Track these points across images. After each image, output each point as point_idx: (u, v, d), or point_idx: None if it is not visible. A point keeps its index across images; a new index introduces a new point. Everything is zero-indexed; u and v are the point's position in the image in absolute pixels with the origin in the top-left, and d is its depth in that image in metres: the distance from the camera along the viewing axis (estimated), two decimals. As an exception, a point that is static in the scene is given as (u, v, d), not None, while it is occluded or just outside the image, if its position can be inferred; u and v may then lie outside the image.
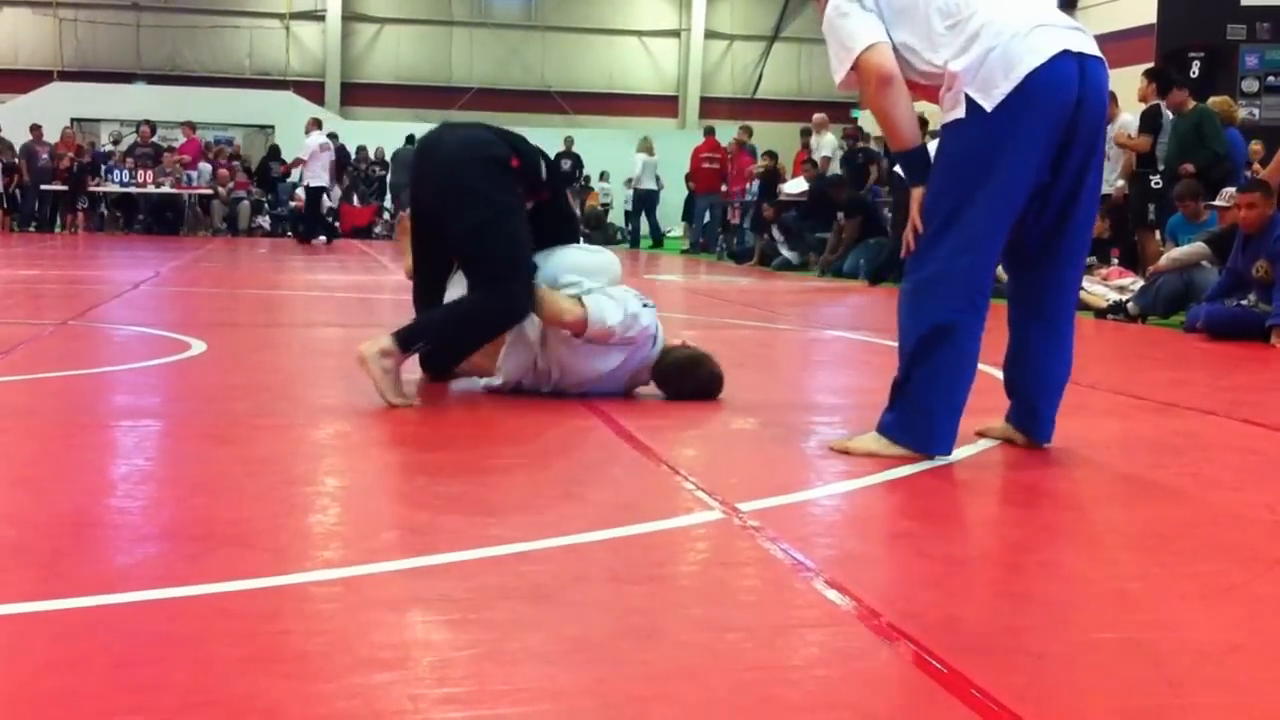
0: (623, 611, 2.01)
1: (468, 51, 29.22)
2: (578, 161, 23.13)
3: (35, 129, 20.91)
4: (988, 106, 3.15)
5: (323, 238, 19.54)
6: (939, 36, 3.24)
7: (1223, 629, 2.01)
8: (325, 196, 19.56)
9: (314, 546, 2.42)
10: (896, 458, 3.25)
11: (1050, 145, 3.21)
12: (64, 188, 20.87)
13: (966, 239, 3.21)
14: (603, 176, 24.93)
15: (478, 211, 4.01)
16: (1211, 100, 10.62)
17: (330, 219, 22.22)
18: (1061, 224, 3.34)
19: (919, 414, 3.27)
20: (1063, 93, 3.17)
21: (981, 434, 3.60)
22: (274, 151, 23.43)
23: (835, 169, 15.59)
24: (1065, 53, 3.17)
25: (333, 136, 23.01)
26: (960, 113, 3.20)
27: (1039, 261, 3.39)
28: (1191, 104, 10.15)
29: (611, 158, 24.28)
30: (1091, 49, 3.25)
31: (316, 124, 19.28)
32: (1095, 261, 9.49)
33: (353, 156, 23.47)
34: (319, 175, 18.79)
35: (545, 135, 26.19)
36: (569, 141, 23.54)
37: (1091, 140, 3.28)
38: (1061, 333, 3.44)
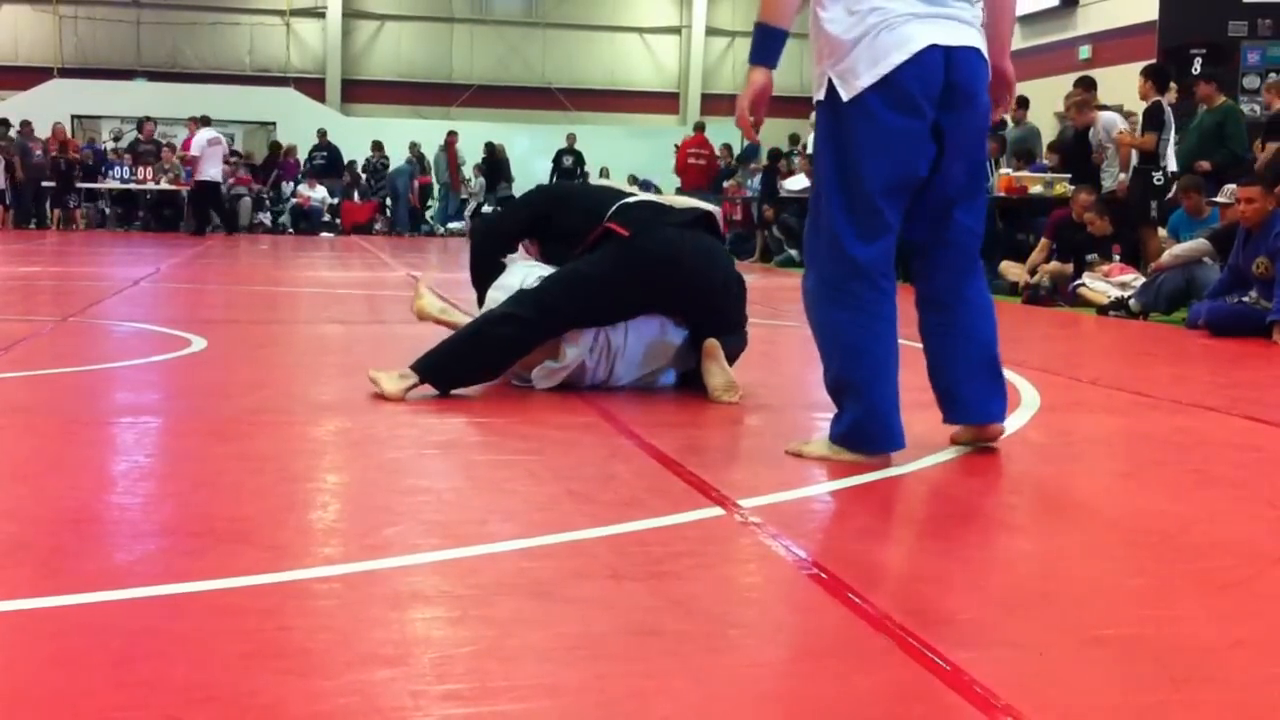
0: (624, 608, 2.01)
1: (468, 48, 29.20)
2: (579, 158, 23.21)
3: (25, 124, 20.91)
4: (844, 96, 3.08)
5: (220, 229, 19.86)
6: None
7: (1225, 625, 2.01)
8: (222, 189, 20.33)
9: (314, 543, 2.42)
10: (850, 463, 3.16)
11: (916, 137, 3.09)
12: (54, 184, 20.88)
13: (862, 228, 3.11)
14: (603, 173, 24.95)
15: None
16: (1211, 98, 10.61)
17: (330, 217, 22.28)
18: (944, 212, 3.23)
19: (862, 417, 3.15)
20: (925, 87, 3.06)
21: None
22: (276, 148, 23.47)
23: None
24: (933, 47, 3.05)
25: (321, 133, 23.08)
26: (822, 95, 3.15)
27: (925, 252, 3.30)
28: (1220, 99, 10.09)
29: (613, 154, 24.27)
30: (965, 40, 3.12)
31: (205, 121, 19.92)
32: (1097, 258, 9.49)
33: (354, 153, 23.46)
34: (210, 170, 19.33)
35: (546, 132, 26.31)
36: (571, 139, 23.58)
37: (960, 130, 3.14)
38: (958, 314, 3.29)
